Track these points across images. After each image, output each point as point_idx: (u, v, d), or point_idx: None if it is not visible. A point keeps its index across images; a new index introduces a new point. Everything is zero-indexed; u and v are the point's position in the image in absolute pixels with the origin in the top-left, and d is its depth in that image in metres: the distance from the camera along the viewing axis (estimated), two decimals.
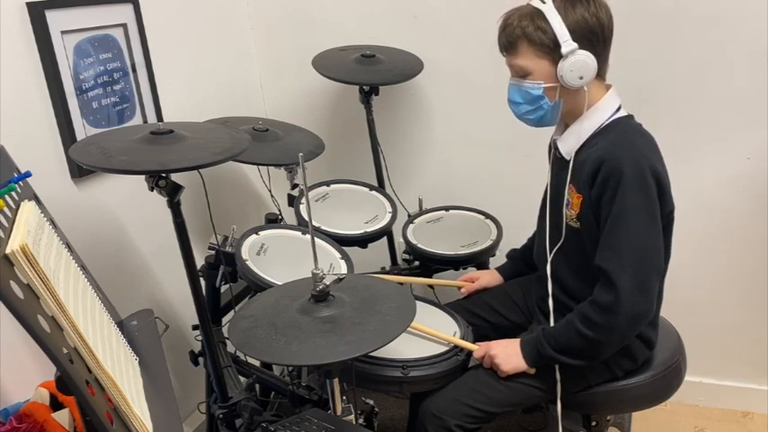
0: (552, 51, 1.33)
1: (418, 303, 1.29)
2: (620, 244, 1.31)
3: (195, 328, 1.69)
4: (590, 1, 1.32)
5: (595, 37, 1.32)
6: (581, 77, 1.32)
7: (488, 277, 1.81)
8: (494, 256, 1.91)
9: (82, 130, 1.59)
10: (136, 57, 1.76)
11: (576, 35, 1.31)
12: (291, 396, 1.57)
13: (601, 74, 1.37)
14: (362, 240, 1.84)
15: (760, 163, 1.89)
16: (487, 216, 2.00)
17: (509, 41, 1.37)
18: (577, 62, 1.31)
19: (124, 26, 1.71)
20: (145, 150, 1.26)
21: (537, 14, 1.32)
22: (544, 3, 1.32)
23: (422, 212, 2.05)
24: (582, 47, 1.31)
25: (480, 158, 2.17)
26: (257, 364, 1.79)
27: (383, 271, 2.03)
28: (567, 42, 1.30)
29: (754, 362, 2.11)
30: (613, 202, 1.30)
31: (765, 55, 1.79)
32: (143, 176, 1.26)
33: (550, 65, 1.34)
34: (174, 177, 1.28)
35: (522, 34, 1.34)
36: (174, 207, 1.31)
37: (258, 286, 1.50)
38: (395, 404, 2.19)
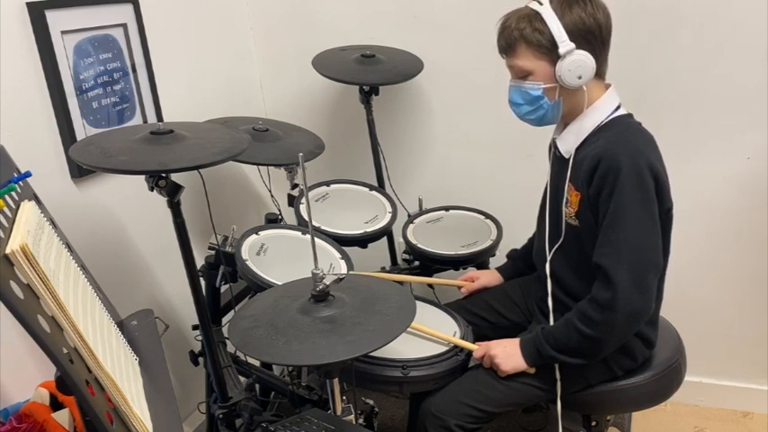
0: (550, 52, 1.33)
1: (418, 303, 1.29)
2: (618, 241, 1.31)
3: (195, 328, 1.69)
4: (587, 1, 1.32)
5: (593, 37, 1.33)
6: (579, 77, 1.33)
7: (488, 277, 1.81)
8: (494, 256, 1.91)
9: (82, 130, 1.59)
10: (136, 57, 1.76)
11: (574, 35, 1.31)
12: (291, 396, 1.57)
13: (600, 73, 1.38)
14: (362, 240, 1.84)
15: (760, 163, 1.89)
16: (487, 216, 2.00)
17: (507, 43, 1.38)
18: (575, 62, 1.32)
19: (124, 26, 1.71)
20: (145, 150, 1.26)
21: (534, 16, 1.33)
22: (541, 4, 1.33)
23: (422, 212, 2.05)
24: (579, 47, 1.32)
25: (480, 158, 2.17)
26: (257, 364, 1.79)
27: (383, 271, 2.03)
28: (564, 43, 1.31)
29: (754, 362, 2.11)
30: (611, 199, 1.31)
31: (765, 55, 1.79)
32: (143, 176, 1.27)
33: (549, 65, 1.34)
34: (174, 177, 1.28)
35: (519, 36, 1.35)
36: (174, 207, 1.32)
37: (258, 286, 1.50)
38: (395, 404, 2.19)
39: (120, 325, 1.32)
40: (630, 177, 1.29)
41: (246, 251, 1.60)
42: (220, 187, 2.20)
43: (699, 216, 1.97)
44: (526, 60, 1.36)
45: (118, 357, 1.12)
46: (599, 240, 1.35)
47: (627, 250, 1.31)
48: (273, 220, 1.86)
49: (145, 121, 1.81)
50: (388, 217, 1.92)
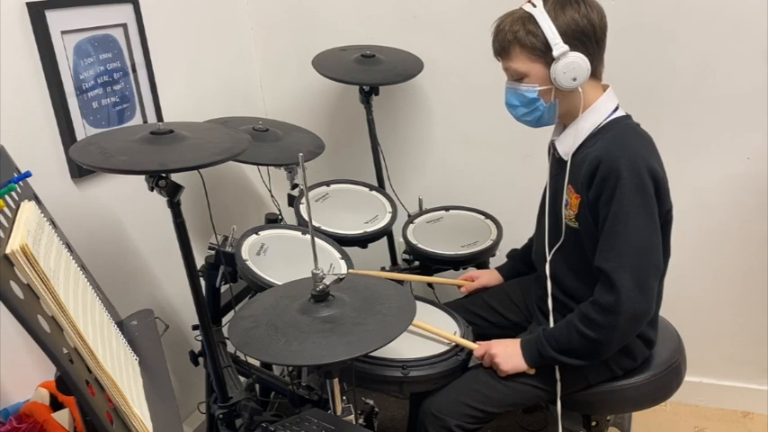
0: (544, 54, 1.33)
1: (418, 303, 1.29)
2: (619, 244, 1.31)
3: (195, 328, 1.69)
4: (580, 3, 1.32)
5: (587, 38, 1.33)
6: (574, 79, 1.33)
7: (488, 276, 1.81)
8: (494, 256, 1.91)
9: (82, 130, 1.59)
10: (136, 57, 1.76)
11: (568, 37, 1.31)
12: (291, 396, 1.57)
13: (596, 74, 1.38)
14: (362, 240, 1.84)
15: (760, 163, 1.89)
16: (487, 216, 2.00)
17: (502, 46, 1.38)
18: (569, 64, 1.32)
19: (124, 26, 1.71)
20: (145, 150, 1.26)
21: (528, 18, 1.33)
22: (535, 6, 1.33)
23: (422, 212, 2.05)
24: (574, 48, 1.32)
25: (480, 158, 2.17)
26: (257, 364, 1.79)
27: (383, 271, 2.03)
28: (557, 45, 1.31)
29: (754, 362, 2.11)
30: (611, 202, 1.31)
31: (765, 55, 1.79)
32: (143, 176, 1.26)
33: (544, 67, 1.35)
34: (174, 177, 1.28)
35: (513, 39, 1.35)
36: (174, 207, 1.31)
37: (258, 286, 1.50)
38: (395, 404, 2.19)
39: (120, 325, 1.32)
40: (630, 180, 1.29)
41: (246, 251, 1.60)
42: (220, 187, 2.20)
43: (699, 216, 1.97)
44: (521, 63, 1.36)
45: (118, 357, 1.12)
46: (600, 244, 1.35)
47: (628, 253, 1.31)
48: (273, 220, 1.86)
49: (145, 121, 1.81)
50: (388, 217, 1.92)
